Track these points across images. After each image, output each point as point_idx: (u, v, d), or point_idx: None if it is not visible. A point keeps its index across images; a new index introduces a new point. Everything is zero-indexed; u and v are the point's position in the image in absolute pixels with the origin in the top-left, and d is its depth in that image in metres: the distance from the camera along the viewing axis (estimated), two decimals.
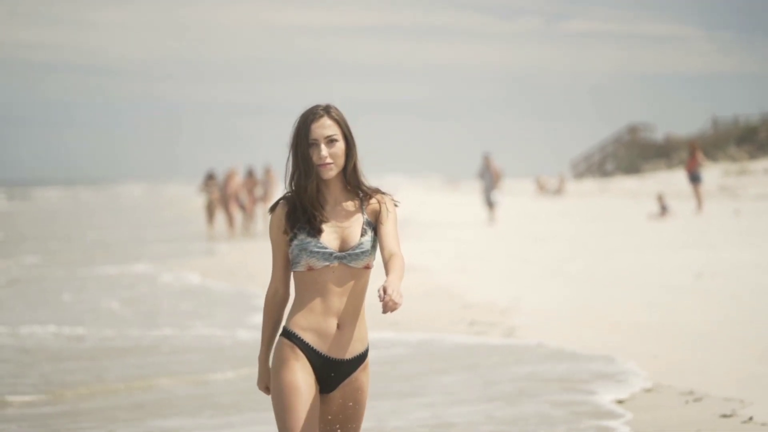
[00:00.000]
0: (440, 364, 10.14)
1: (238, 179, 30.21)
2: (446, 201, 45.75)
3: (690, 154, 29.21)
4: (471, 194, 46.19)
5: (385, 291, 4.11)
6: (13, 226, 37.66)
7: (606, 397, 8.41)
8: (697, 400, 8.08)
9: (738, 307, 12.28)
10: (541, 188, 46.78)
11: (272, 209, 4.35)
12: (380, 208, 4.36)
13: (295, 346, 4.27)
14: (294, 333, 4.28)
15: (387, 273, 4.24)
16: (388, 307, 4.09)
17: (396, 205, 4.42)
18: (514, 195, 45.44)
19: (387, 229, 4.34)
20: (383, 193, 4.42)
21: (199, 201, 36.72)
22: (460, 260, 18.78)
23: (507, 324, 12.00)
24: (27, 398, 8.95)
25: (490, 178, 29.62)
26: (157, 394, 9.17)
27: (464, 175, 57.19)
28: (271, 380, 4.33)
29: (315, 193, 4.29)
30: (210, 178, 30.25)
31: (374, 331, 11.42)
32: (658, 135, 59.18)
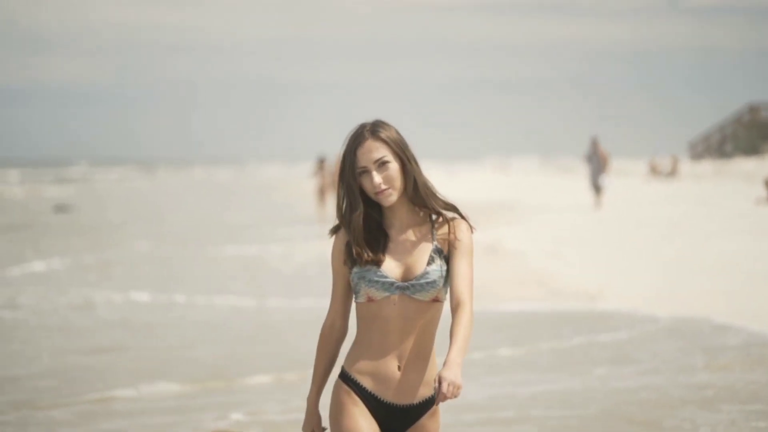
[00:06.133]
0: (632, 332, 10.81)
1: None
2: (554, 184, 45.75)
3: None
4: (581, 178, 46.19)
5: (440, 383, 3.72)
6: (144, 205, 39.15)
7: None
8: None
9: None
10: (654, 170, 46.40)
11: (333, 231, 3.98)
12: (452, 236, 3.91)
13: (352, 392, 3.91)
14: (351, 377, 3.92)
15: (450, 336, 3.81)
16: (444, 398, 3.72)
17: (472, 231, 3.95)
18: (626, 177, 45.24)
19: (458, 266, 3.88)
20: (458, 216, 3.95)
21: (309, 185, 37.60)
22: (556, 245, 19.11)
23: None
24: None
25: (597, 161, 29.76)
26: None
27: (575, 156, 56.80)
28: (330, 426, 3.96)
29: (361, 227, 3.89)
30: (321, 162, 31.07)
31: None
32: None
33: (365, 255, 3.87)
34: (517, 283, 14.84)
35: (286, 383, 9.02)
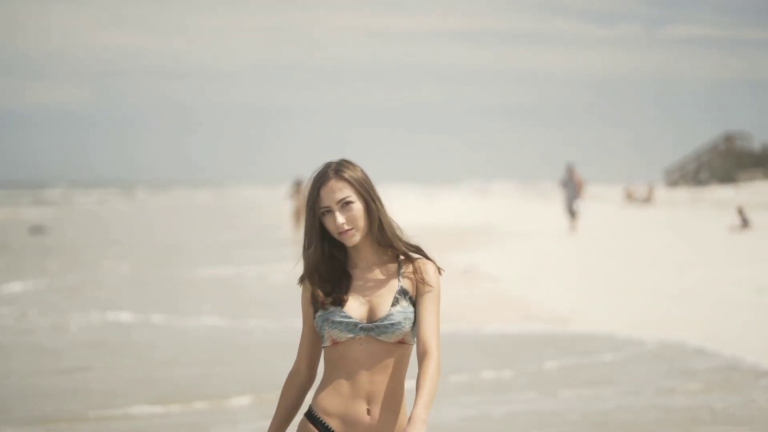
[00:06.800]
0: (610, 355, 10.92)
1: None
2: (531, 209, 45.95)
3: None
4: (557, 203, 46.38)
5: None
6: (129, 228, 39.05)
7: None
8: None
9: None
10: (630, 197, 46.67)
11: (302, 279, 3.89)
12: (419, 277, 3.83)
13: None
14: (318, 417, 3.81)
15: (416, 388, 3.71)
16: None
17: (440, 274, 3.86)
18: (602, 203, 45.47)
19: (425, 313, 3.80)
20: (424, 258, 3.87)
21: (285, 207, 37.65)
22: (531, 270, 19.22)
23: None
24: None
25: (573, 187, 30.03)
26: None
27: (553, 182, 57.08)
28: None
29: (314, 264, 3.83)
30: (298, 185, 31.18)
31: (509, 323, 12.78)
32: (756, 144, 58.44)
33: (320, 292, 3.80)
34: (490, 305, 14.91)
35: (263, 404, 9.04)
